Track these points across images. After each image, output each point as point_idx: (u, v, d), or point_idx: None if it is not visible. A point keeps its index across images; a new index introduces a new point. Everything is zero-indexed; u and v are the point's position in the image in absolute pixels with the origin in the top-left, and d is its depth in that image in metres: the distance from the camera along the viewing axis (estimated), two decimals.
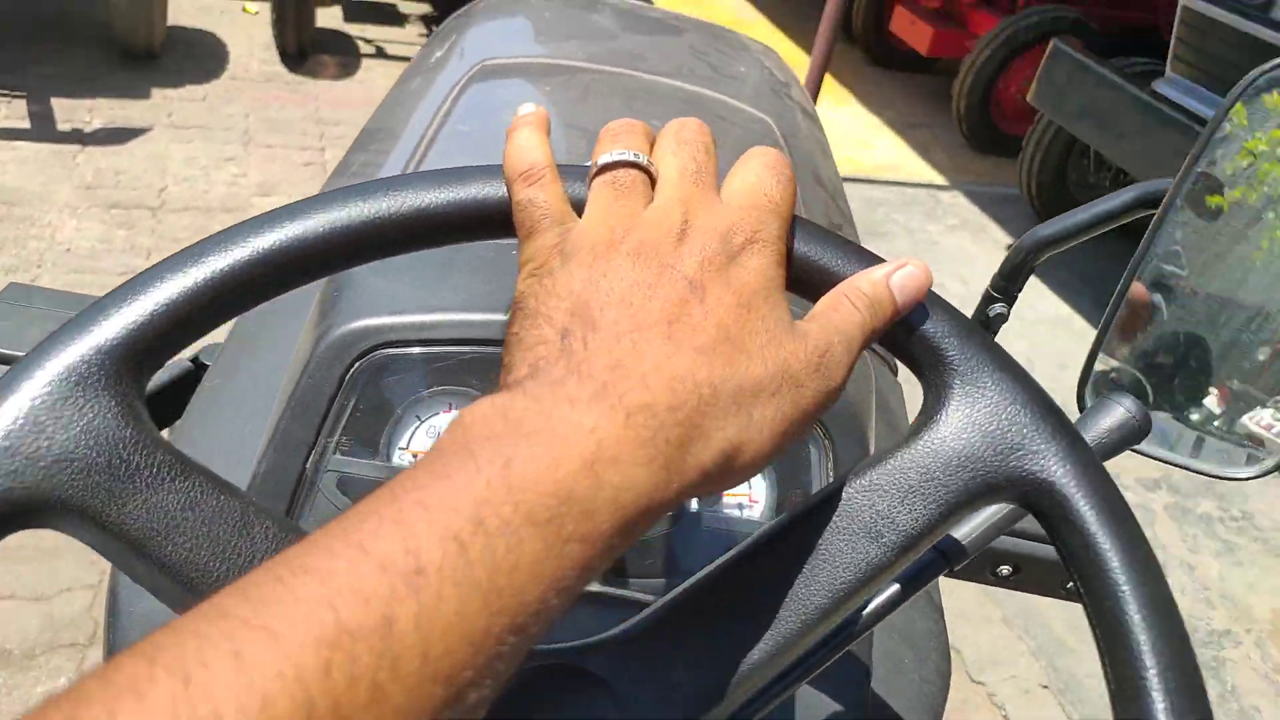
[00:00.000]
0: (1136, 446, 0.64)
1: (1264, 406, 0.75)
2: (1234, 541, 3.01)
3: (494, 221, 0.45)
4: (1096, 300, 4.26)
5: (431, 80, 1.15)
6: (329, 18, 5.53)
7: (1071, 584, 0.70)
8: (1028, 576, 0.81)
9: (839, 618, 0.43)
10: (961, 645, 2.51)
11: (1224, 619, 2.72)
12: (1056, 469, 0.42)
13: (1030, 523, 0.58)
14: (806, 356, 0.42)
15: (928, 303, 0.48)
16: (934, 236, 4.65)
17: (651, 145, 0.47)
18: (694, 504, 0.69)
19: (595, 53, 1.24)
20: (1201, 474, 0.77)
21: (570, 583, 0.33)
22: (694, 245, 0.42)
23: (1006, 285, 0.83)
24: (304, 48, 5.03)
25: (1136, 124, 3.85)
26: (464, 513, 0.32)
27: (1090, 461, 0.43)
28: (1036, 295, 4.24)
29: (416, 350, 0.67)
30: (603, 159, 0.45)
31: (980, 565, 0.81)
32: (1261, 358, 0.76)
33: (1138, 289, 0.74)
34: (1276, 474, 0.76)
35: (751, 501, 0.70)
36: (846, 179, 5.09)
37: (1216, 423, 0.77)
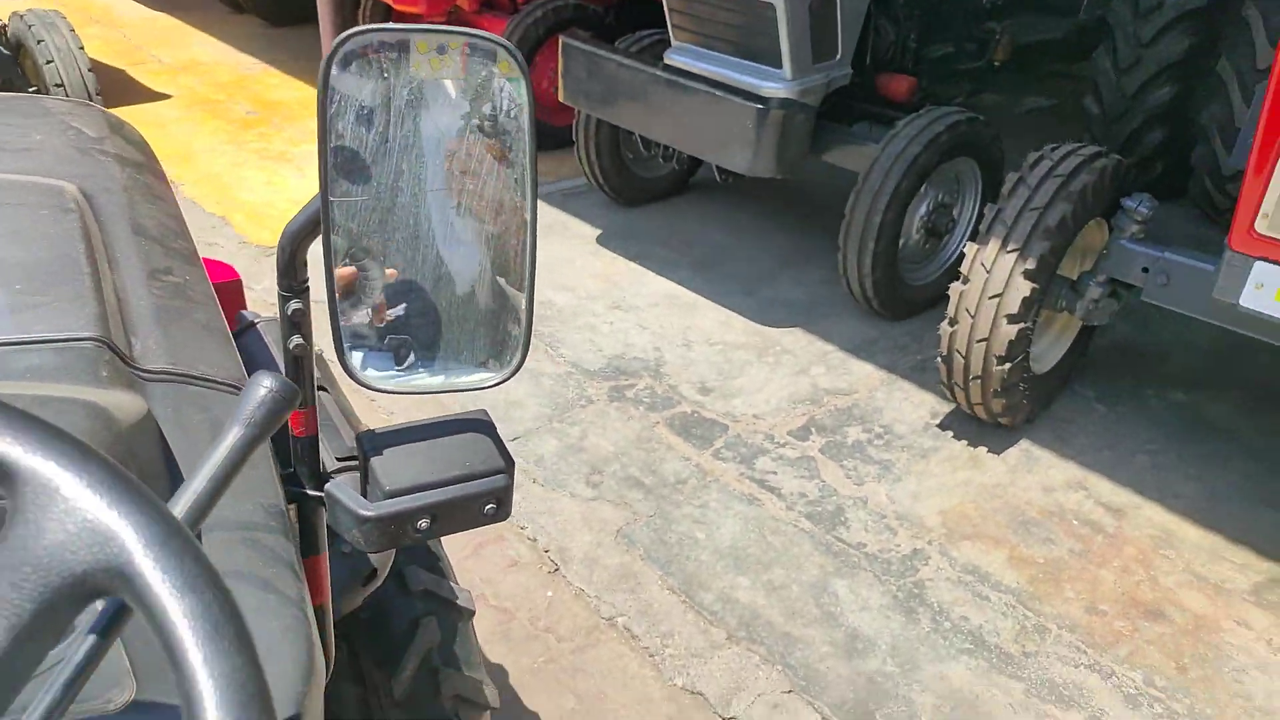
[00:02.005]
0: (404, 387, 0.85)
1: (478, 325, 0.88)
2: (887, 458, 3.13)
3: None
4: (695, 267, 4.32)
5: None
6: None
7: (491, 505, 0.89)
8: (446, 521, 0.88)
9: None
10: (701, 685, 2.31)
11: (907, 540, 2.79)
12: (125, 555, 0.44)
13: (446, 469, 0.88)
14: None
15: None
16: None
17: None
18: None
19: None
20: (465, 390, 0.88)
21: None
22: None
23: (289, 282, 0.89)
24: None
25: (661, 98, 3.91)
26: None
27: (162, 537, 0.44)
28: (639, 281, 4.20)
29: None
30: None
31: (395, 533, 0.86)
32: (462, 291, 0.86)
33: (343, 272, 0.81)
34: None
35: None
36: None
37: (455, 349, 0.88)
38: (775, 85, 3.68)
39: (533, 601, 2.54)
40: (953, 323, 3.05)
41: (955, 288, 3.04)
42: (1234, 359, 3.68)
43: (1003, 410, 3.12)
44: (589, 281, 4.18)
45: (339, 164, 0.77)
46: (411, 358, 0.87)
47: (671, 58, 3.97)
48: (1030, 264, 2.89)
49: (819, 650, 2.42)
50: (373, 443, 0.91)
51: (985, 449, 3.18)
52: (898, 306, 3.90)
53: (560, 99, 4.37)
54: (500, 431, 0.94)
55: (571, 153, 4.74)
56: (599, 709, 2.25)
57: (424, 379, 0.87)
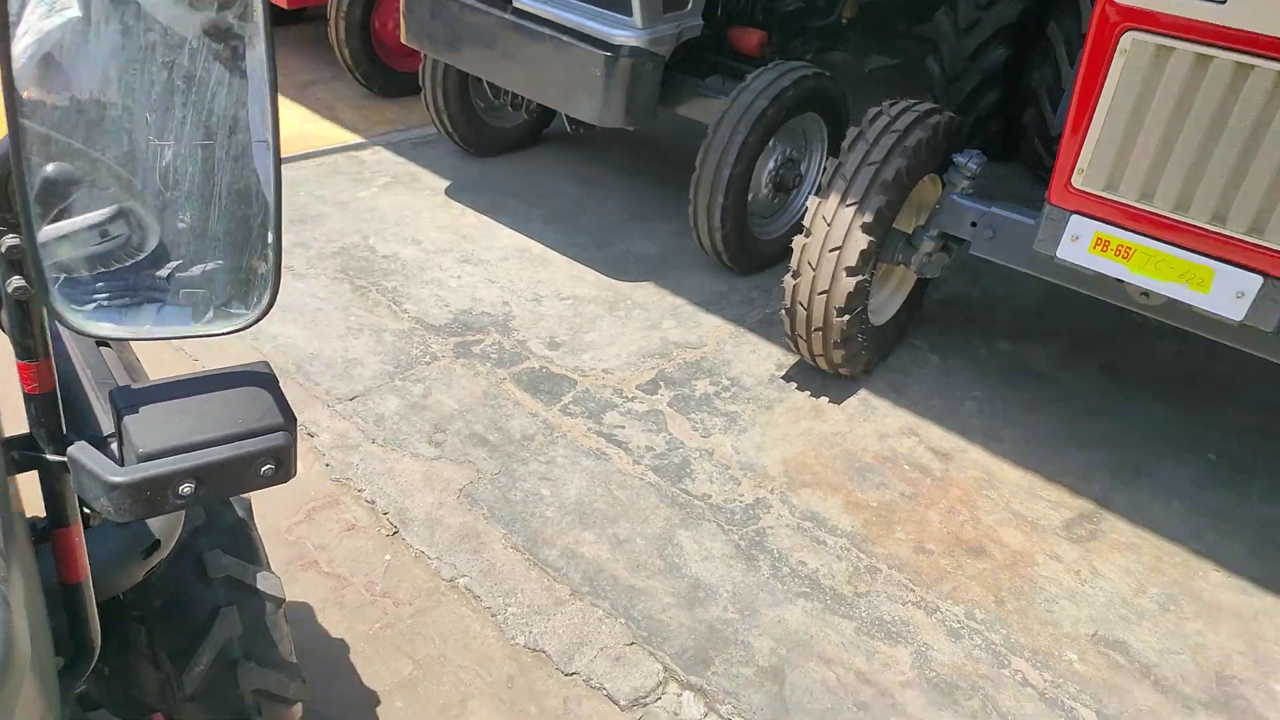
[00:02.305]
0: (126, 332, 0.79)
1: (217, 261, 0.77)
2: (733, 410, 3.18)
3: None
4: (548, 220, 4.24)
5: None
6: None
7: (269, 466, 0.84)
8: (215, 484, 0.81)
9: None
10: (544, 643, 2.30)
11: (750, 490, 2.84)
12: None
13: (215, 428, 0.82)
14: None
15: None
16: (369, 203, 4.26)
17: None
18: None
19: None
20: (202, 336, 0.80)
21: None
22: None
23: (1, 214, 0.77)
24: None
25: (508, 43, 3.79)
26: None
27: None
28: (489, 233, 4.09)
29: None
30: None
31: (152, 500, 0.79)
32: (193, 222, 0.76)
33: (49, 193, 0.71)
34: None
35: None
36: None
37: (190, 288, 0.78)
38: (625, 33, 3.61)
39: (370, 566, 2.46)
40: (795, 275, 3.10)
41: (798, 241, 3.09)
42: (1054, 311, 3.90)
43: (842, 361, 3.21)
44: (437, 234, 4.05)
45: (29, 71, 0.66)
46: (132, 298, 0.76)
47: (521, 0, 3.84)
48: (868, 218, 2.96)
49: (661, 601, 2.44)
50: (128, 400, 0.82)
51: (826, 399, 3.27)
52: (747, 260, 3.95)
53: (402, 39, 4.18)
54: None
55: (419, 99, 4.55)
56: (437, 672, 2.21)
57: (149, 324, 0.77)
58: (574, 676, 2.23)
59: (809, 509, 2.79)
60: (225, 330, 0.79)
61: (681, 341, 3.52)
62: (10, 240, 0.76)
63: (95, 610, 1.02)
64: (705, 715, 2.17)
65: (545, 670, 2.24)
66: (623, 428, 3.05)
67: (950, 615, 2.49)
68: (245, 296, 0.79)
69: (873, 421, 3.19)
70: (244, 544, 1.54)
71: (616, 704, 2.18)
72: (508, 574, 2.47)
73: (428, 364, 3.24)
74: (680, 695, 2.21)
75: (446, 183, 4.49)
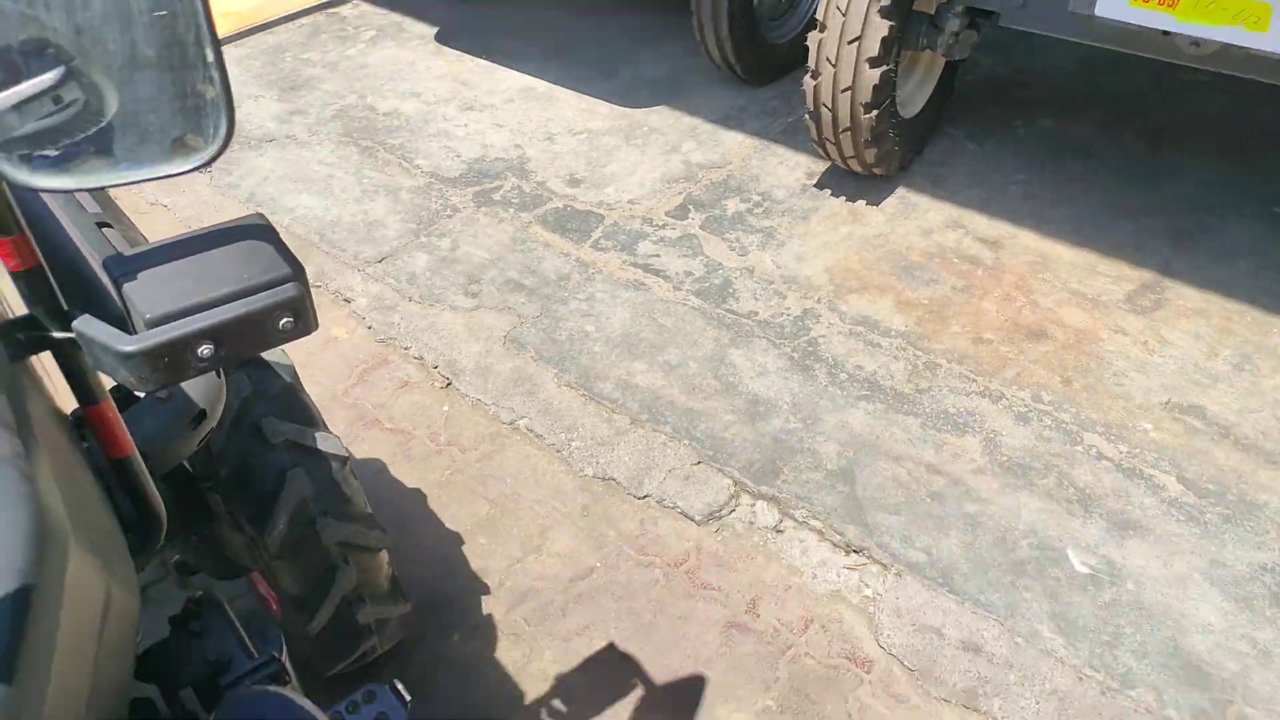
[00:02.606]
0: (73, 181, 0.72)
1: (155, 89, 0.70)
2: (768, 225, 3.07)
3: None
4: (548, 56, 4.02)
5: None
6: None
7: (287, 319, 0.80)
8: (234, 343, 0.78)
9: None
10: (612, 471, 2.30)
11: (796, 302, 2.78)
12: None
13: (220, 286, 0.78)
14: None
15: None
16: (359, 60, 4.05)
17: None
18: None
19: None
20: (163, 176, 0.73)
21: None
22: None
23: None
24: None
25: None
26: None
27: None
28: (489, 77, 3.89)
29: None
30: None
31: (172, 365, 0.76)
32: (117, 46, 0.68)
33: None
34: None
35: None
36: (232, 40, 4.25)
37: (134, 123, 0.71)
38: None
39: (430, 418, 2.45)
40: (815, 75, 2.93)
41: (814, 37, 2.90)
42: (1092, 80, 3.69)
43: (876, 160, 3.07)
44: (435, 84, 3.86)
45: None
46: (86, 147, 0.69)
47: None
48: (885, 1, 2.75)
49: (722, 420, 2.42)
50: (123, 267, 0.77)
51: (864, 202, 3.15)
52: (761, 69, 3.74)
53: None
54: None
55: None
56: (513, 509, 2.22)
57: (105, 171, 0.70)
58: (646, 499, 2.24)
59: (859, 314, 2.73)
60: (187, 168, 0.73)
61: (705, 162, 3.38)
62: None
63: (152, 483, 0.99)
64: (780, 521, 2.18)
65: (617, 496, 2.25)
66: (658, 256, 2.96)
67: (1016, 400, 2.45)
68: (200, 128, 0.72)
69: (914, 219, 3.08)
70: (297, 408, 1.53)
71: (692, 520, 2.19)
72: (566, 411, 2.46)
73: (449, 217, 3.14)
74: (754, 505, 2.22)
75: (434, 29, 4.25)
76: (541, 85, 3.84)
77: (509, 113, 3.67)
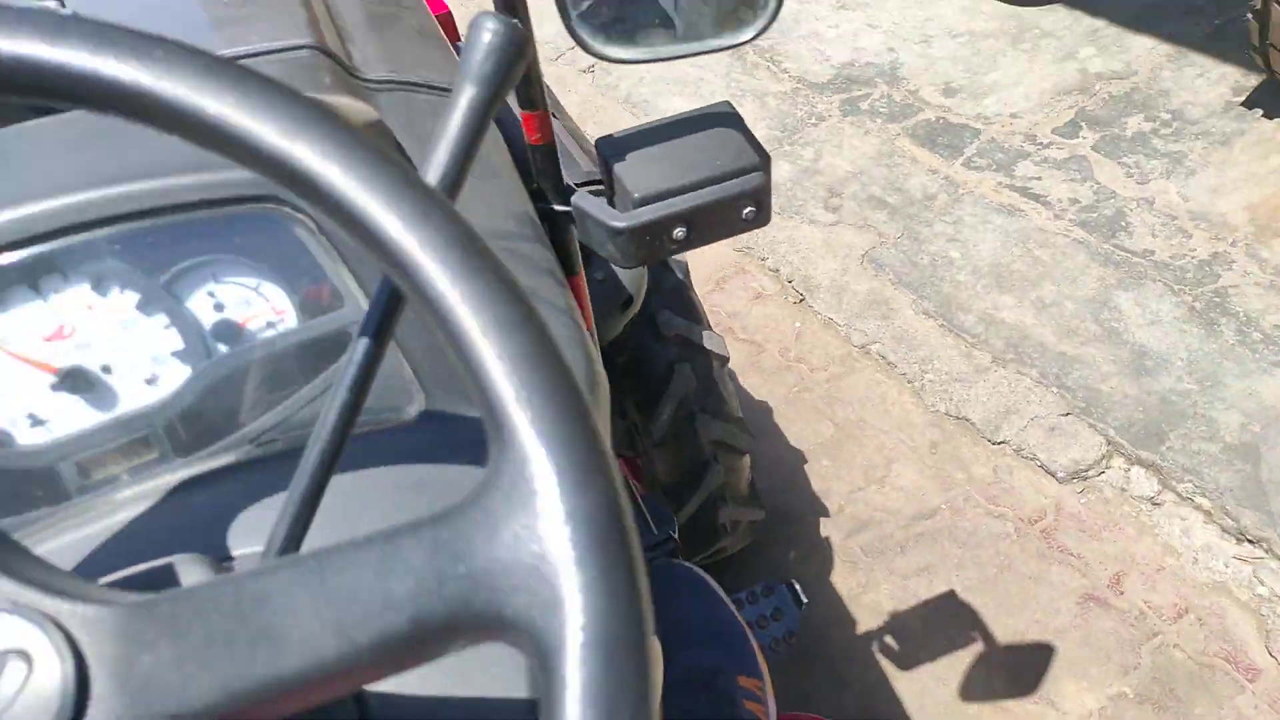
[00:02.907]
0: (643, 54, 0.78)
1: None
2: (1176, 149, 2.68)
3: None
4: None
5: None
6: None
7: (750, 208, 0.82)
8: (703, 228, 0.80)
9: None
10: (967, 410, 2.19)
11: (1204, 243, 2.42)
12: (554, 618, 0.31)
13: (696, 171, 0.79)
14: None
15: None
16: None
17: None
18: None
19: None
20: (717, 50, 0.78)
21: None
22: None
23: None
24: None
25: None
26: None
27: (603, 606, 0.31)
28: None
29: None
30: None
31: (652, 244, 0.79)
32: None
33: None
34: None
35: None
36: None
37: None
38: None
39: (781, 333, 2.46)
40: None
41: None
42: None
43: None
44: None
45: None
46: (643, 19, 0.75)
47: None
48: None
49: (1100, 370, 2.20)
50: (613, 148, 0.81)
51: None
52: None
53: None
54: None
55: None
56: (858, 435, 2.20)
57: (663, 42, 0.75)
58: (1002, 445, 2.12)
59: None
60: (738, 41, 0.77)
61: (1105, 72, 2.99)
62: None
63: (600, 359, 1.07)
64: (1160, 492, 1.97)
65: (970, 438, 2.14)
66: (1039, 179, 2.70)
67: None
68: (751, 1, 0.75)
69: None
70: (688, 304, 1.57)
71: (1053, 475, 2.04)
72: (922, 340, 2.36)
73: (814, 125, 3.06)
74: (1128, 470, 2.02)
75: None
76: None
77: (883, 11, 3.47)
